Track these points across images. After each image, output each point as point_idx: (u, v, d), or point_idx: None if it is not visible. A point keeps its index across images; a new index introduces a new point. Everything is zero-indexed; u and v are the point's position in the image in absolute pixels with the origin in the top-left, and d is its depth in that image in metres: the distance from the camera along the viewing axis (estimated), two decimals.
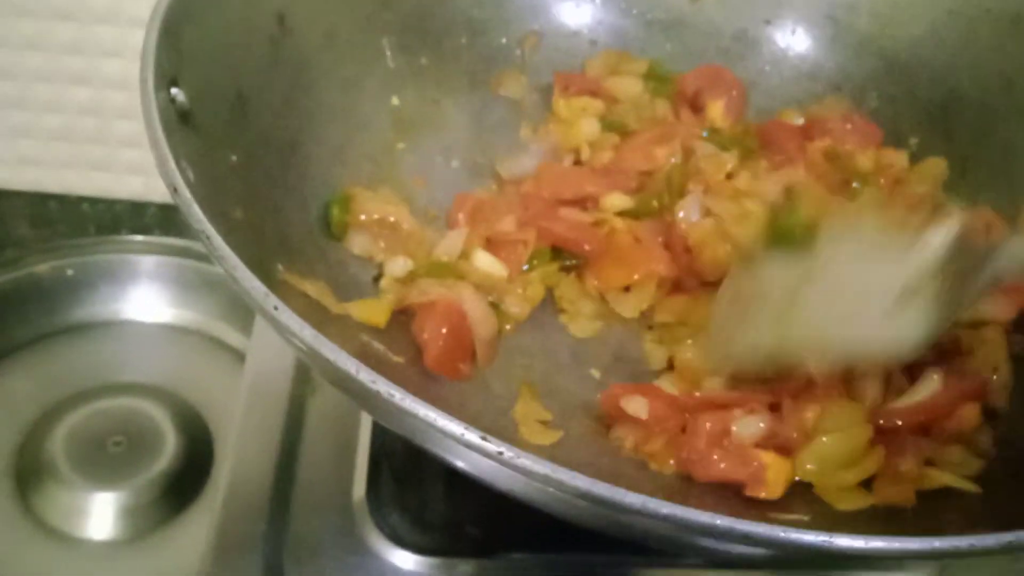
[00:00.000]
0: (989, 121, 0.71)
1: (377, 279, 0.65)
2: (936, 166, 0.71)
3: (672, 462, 0.56)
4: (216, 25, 0.57)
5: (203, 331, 0.94)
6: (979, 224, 0.59)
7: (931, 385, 0.57)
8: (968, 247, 0.53)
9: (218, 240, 0.44)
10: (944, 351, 0.59)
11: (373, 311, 0.61)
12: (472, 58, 0.76)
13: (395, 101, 0.72)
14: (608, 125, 0.74)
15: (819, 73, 0.78)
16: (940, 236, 0.53)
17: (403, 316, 0.63)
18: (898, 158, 0.71)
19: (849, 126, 0.72)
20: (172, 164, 0.46)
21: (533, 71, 0.78)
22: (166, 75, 0.51)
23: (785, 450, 0.55)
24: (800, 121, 0.75)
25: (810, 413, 0.56)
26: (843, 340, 0.55)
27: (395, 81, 0.72)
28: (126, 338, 0.94)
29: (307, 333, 0.41)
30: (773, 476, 0.54)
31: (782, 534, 0.37)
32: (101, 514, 0.83)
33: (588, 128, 0.73)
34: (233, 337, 0.91)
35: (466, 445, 0.39)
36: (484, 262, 0.67)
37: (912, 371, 0.59)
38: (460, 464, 0.46)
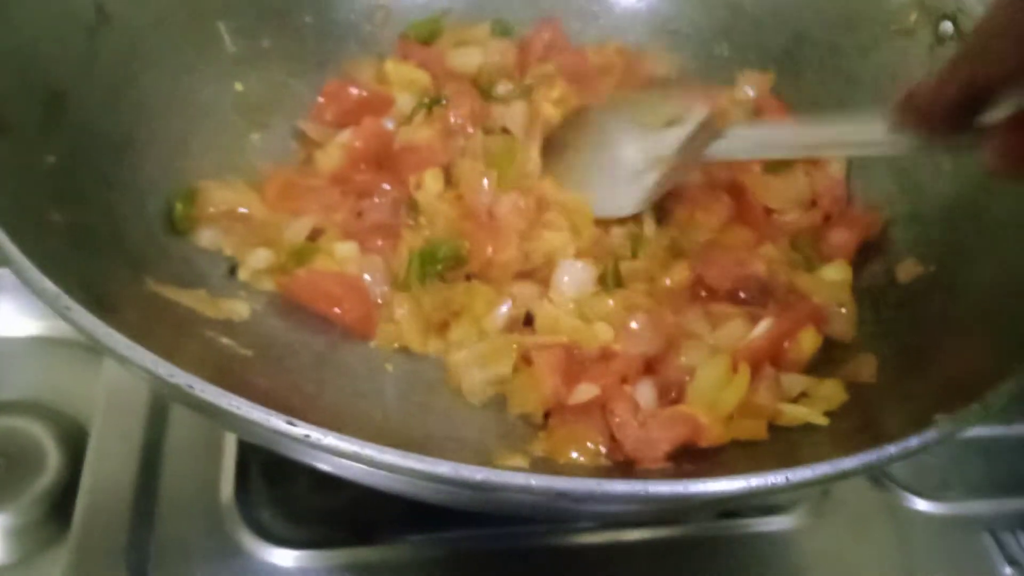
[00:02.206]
0: (834, 59, 0.72)
1: (232, 272, 0.63)
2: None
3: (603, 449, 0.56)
4: (18, 18, 0.54)
5: (75, 340, 0.89)
6: (717, 115, 0.68)
7: (765, 324, 0.60)
8: (703, 134, 0.64)
9: (5, 242, 0.42)
10: (785, 299, 0.62)
11: (230, 304, 0.60)
12: (319, 37, 0.74)
13: (238, 86, 0.69)
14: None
15: (669, 26, 0.78)
16: (686, 126, 0.65)
17: (257, 307, 0.61)
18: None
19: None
20: None
21: (386, 46, 0.76)
22: None
23: (679, 398, 0.57)
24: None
25: (683, 356, 0.58)
26: (599, 196, 0.66)
27: (236, 66, 0.69)
28: None
29: (101, 332, 0.40)
30: (706, 420, 0.55)
31: (596, 487, 0.36)
32: None
33: (402, 102, 0.72)
34: None
35: (274, 432, 0.38)
36: (345, 251, 0.65)
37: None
38: (297, 457, 0.45)
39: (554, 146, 0.70)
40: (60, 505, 0.81)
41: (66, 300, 0.41)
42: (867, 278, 0.66)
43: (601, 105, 0.70)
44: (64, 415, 0.85)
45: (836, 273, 0.65)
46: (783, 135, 0.66)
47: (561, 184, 0.67)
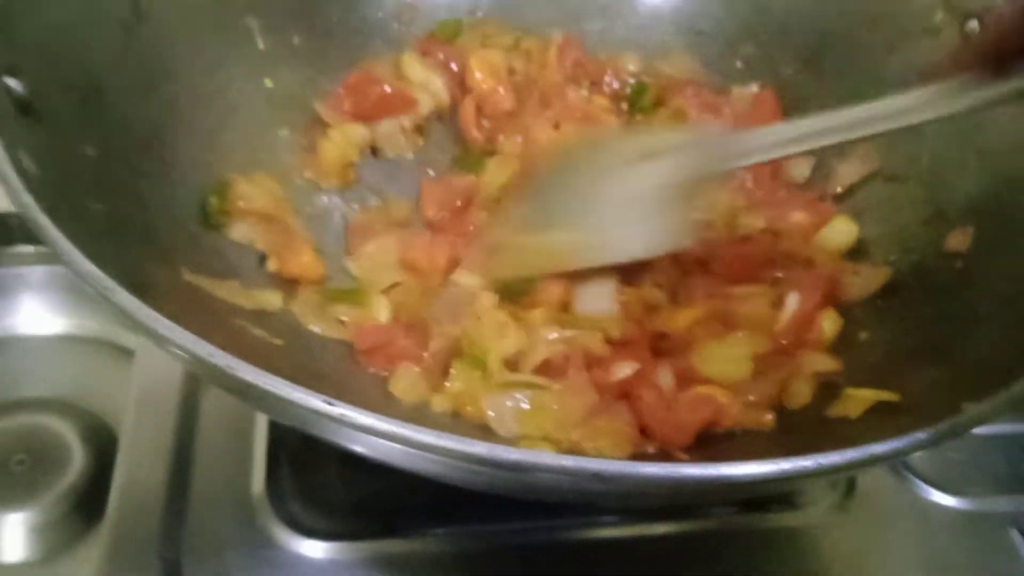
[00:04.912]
0: (857, 57, 0.72)
1: (262, 262, 0.64)
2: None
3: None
4: (59, 14, 0.55)
5: (100, 338, 0.91)
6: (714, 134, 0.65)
7: (792, 304, 0.62)
8: (704, 156, 0.61)
9: (51, 228, 0.42)
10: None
11: (263, 295, 0.61)
12: (347, 34, 0.75)
13: (268, 83, 0.70)
14: None
15: (694, 26, 0.78)
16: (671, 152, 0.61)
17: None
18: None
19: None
20: (2, 154, 0.45)
21: (412, 44, 0.77)
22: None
23: (693, 381, 0.59)
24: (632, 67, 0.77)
25: (695, 355, 0.60)
26: (604, 244, 0.62)
27: (267, 62, 0.70)
28: (21, 353, 0.90)
29: (142, 313, 0.40)
30: (725, 400, 0.57)
31: (632, 469, 0.37)
32: (11, 536, 0.80)
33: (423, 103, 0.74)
34: (132, 341, 0.88)
35: (311, 411, 0.38)
36: None
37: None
38: (338, 442, 0.45)
39: (539, 194, 0.66)
40: (85, 503, 0.81)
41: (108, 282, 0.41)
42: None
43: (568, 150, 0.69)
44: (89, 412, 0.85)
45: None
46: (806, 126, 0.59)
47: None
